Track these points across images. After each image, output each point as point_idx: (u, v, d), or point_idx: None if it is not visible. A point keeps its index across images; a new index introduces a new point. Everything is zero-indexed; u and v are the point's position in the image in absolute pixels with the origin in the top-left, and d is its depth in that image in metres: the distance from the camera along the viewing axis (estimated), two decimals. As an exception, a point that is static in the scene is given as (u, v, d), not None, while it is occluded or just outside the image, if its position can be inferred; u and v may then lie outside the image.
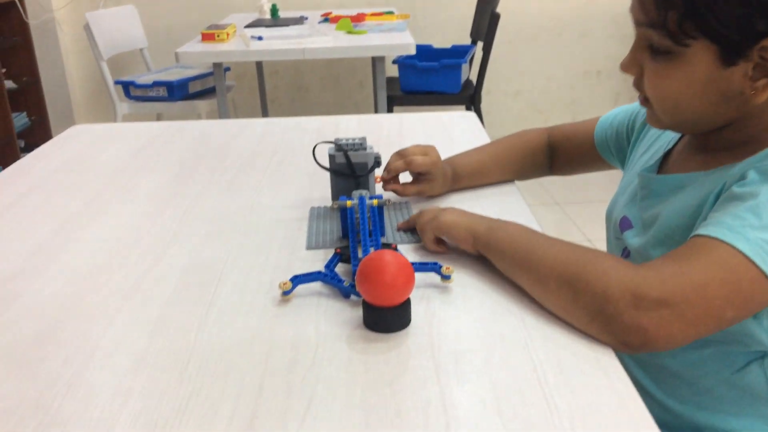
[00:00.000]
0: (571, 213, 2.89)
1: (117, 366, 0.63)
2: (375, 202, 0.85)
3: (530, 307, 0.70)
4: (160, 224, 0.94)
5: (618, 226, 0.85)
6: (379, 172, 0.97)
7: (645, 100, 0.75)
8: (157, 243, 0.88)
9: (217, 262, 0.83)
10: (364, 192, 0.88)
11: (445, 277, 0.75)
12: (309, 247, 0.86)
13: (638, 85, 0.75)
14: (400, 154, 0.96)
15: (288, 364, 0.62)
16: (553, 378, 0.59)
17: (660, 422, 0.55)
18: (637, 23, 0.71)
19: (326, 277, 0.76)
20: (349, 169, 0.92)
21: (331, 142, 0.94)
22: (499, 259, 0.76)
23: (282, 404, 0.57)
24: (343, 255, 0.81)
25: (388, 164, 0.96)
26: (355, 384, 0.59)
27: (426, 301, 0.72)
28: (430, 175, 0.96)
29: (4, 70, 3.12)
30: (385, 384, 0.59)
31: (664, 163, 0.82)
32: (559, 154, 1.04)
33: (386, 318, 0.67)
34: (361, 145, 0.92)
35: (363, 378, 0.60)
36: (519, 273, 0.73)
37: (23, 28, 3.25)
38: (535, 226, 0.86)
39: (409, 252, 0.84)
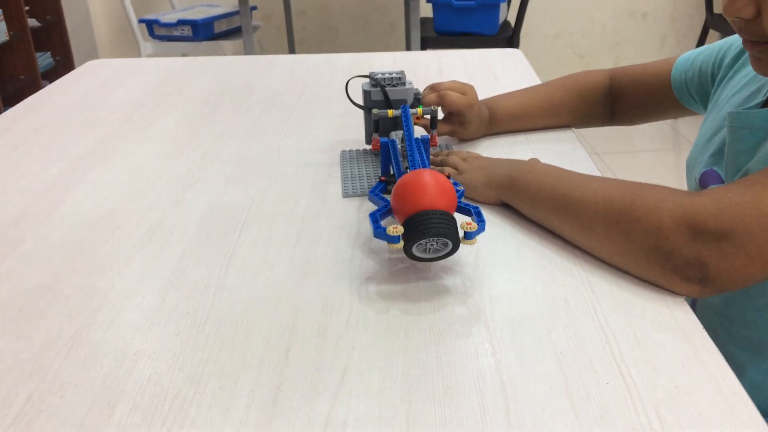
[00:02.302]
0: (613, 164, 2.75)
1: (124, 325, 0.55)
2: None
3: (595, 265, 0.61)
4: (177, 166, 0.86)
5: (699, 182, 0.74)
6: None
7: (755, 44, 0.62)
8: (173, 187, 0.80)
9: (239, 209, 0.74)
10: (401, 133, 0.78)
11: (467, 236, 0.58)
12: (345, 195, 0.77)
13: (750, 28, 0.61)
14: (434, 88, 0.86)
15: (318, 329, 0.54)
16: (629, 352, 0.50)
17: (762, 407, 0.46)
18: None
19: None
20: (386, 106, 0.82)
21: (365, 77, 0.84)
22: (529, 206, 0.67)
23: (311, 376, 0.49)
24: (388, 184, 0.72)
25: (423, 97, 0.86)
26: (396, 354, 0.51)
27: (473, 260, 0.63)
28: (464, 117, 0.86)
29: (27, 8, 3.03)
30: (430, 355, 0.51)
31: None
32: (624, 99, 0.92)
33: (427, 221, 0.55)
34: (399, 80, 0.82)
35: (404, 347, 0.52)
36: (557, 220, 0.64)
37: (45, -36, 3.15)
38: (595, 174, 0.76)
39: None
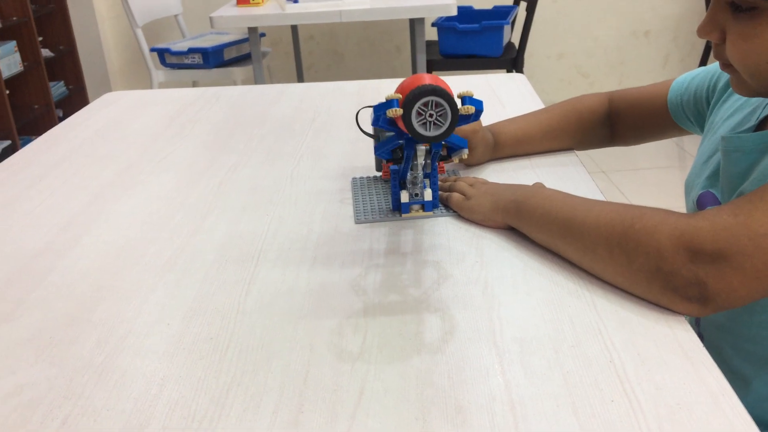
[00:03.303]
0: (619, 182, 2.77)
1: (152, 351, 0.58)
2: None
3: (599, 286, 0.63)
4: (195, 196, 0.89)
5: (696, 203, 0.77)
6: None
7: (727, 66, 0.66)
8: (192, 216, 0.83)
9: (256, 236, 0.77)
10: None
11: (465, 101, 0.65)
12: (358, 222, 0.80)
13: (718, 51, 0.66)
14: None
15: (335, 352, 0.57)
16: (633, 370, 0.52)
17: (759, 419, 0.48)
18: None
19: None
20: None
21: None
22: (535, 230, 0.70)
23: (330, 398, 0.52)
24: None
25: None
26: (409, 374, 0.54)
27: (483, 281, 0.66)
28: (469, 143, 0.89)
29: (40, 39, 3.11)
30: (443, 376, 0.53)
31: (760, 129, 0.74)
32: (623, 121, 0.95)
33: (424, 88, 0.61)
34: None
35: (417, 367, 0.54)
36: (562, 243, 0.67)
37: (58, -4, 3.22)
38: (599, 197, 0.79)
39: (449, 223, 0.77)
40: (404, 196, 0.79)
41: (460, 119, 0.64)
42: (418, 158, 0.74)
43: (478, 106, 0.65)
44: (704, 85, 0.85)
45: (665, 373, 0.52)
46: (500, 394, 0.51)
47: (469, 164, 0.93)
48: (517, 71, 2.92)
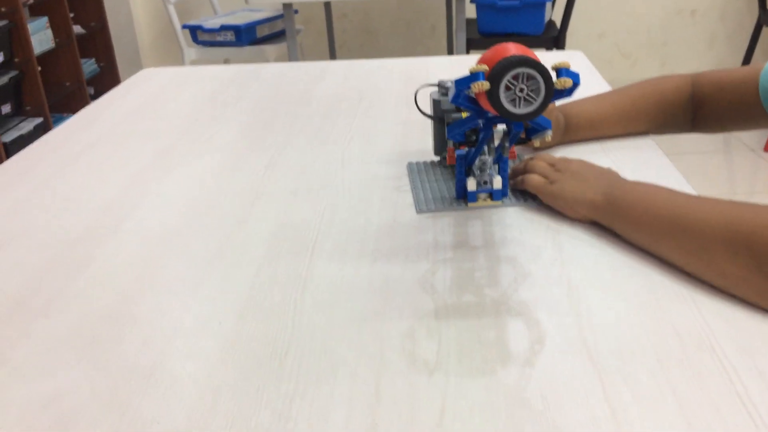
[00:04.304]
0: (677, 165, 2.67)
1: (203, 354, 0.53)
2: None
3: (702, 289, 0.56)
4: (240, 180, 0.83)
5: None
6: None
7: None
8: (238, 202, 0.77)
9: (309, 225, 0.71)
10: None
11: (561, 73, 0.57)
12: (420, 211, 0.73)
13: None
14: None
15: (407, 360, 0.51)
16: (758, 393, 0.45)
17: None
18: None
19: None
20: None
21: (434, 85, 0.81)
22: (634, 228, 0.63)
23: (406, 415, 0.45)
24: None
25: None
26: (496, 391, 0.47)
27: (566, 282, 0.59)
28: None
29: (72, 16, 3.07)
30: (535, 394, 0.47)
31: None
32: (708, 107, 0.86)
33: (515, 58, 0.54)
34: None
35: (504, 383, 0.48)
36: (669, 243, 0.59)
37: (90, -29, 3.18)
38: (684, 186, 0.71)
39: (519, 214, 0.70)
40: (471, 184, 0.72)
41: (554, 94, 0.56)
42: (494, 141, 0.67)
43: (575, 79, 0.58)
44: None
45: (796, 397, 0.45)
46: (605, 420, 0.44)
47: (537, 148, 0.86)
48: (558, 50, 2.81)
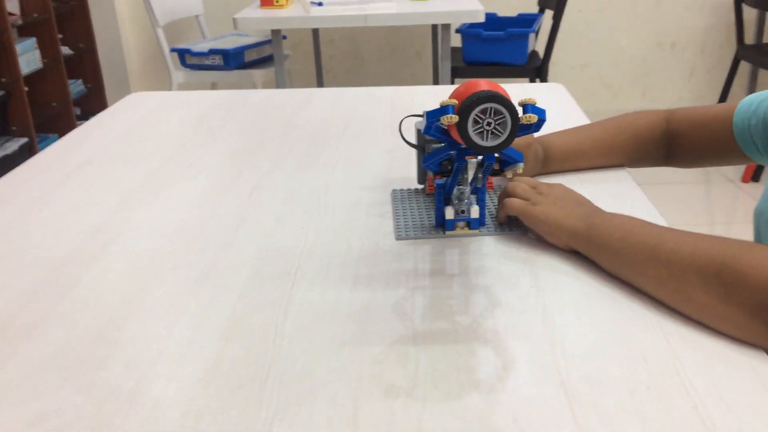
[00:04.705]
0: (649, 194, 2.71)
1: (186, 376, 0.54)
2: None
3: (671, 317, 0.58)
4: (226, 204, 0.85)
5: None
6: None
7: None
8: (224, 226, 0.79)
9: (293, 251, 0.73)
10: None
11: (526, 110, 0.60)
12: (399, 238, 0.75)
13: None
14: None
15: (386, 385, 0.52)
16: (720, 420, 0.47)
17: None
18: None
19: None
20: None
21: (419, 115, 0.83)
22: (611, 256, 0.65)
23: (385, 438, 0.47)
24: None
25: None
26: (471, 416, 0.49)
27: (541, 309, 0.61)
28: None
29: (60, 37, 3.09)
30: (507, 419, 0.48)
31: None
32: (682, 142, 0.89)
33: (483, 94, 0.57)
34: None
35: (479, 408, 0.49)
36: (642, 271, 0.61)
37: (80, -7, 3.21)
38: (656, 218, 0.74)
39: (497, 243, 0.73)
40: (449, 213, 0.74)
41: (520, 129, 0.59)
42: (468, 172, 0.70)
43: (541, 115, 0.60)
44: None
45: (756, 423, 0.47)
46: (574, 442, 0.46)
47: (511, 180, 0.88)
48: (541, 80, 2.87)
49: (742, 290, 0.53)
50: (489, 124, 0.58)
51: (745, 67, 3.30)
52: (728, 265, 0.55)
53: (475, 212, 0.74)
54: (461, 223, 0.75)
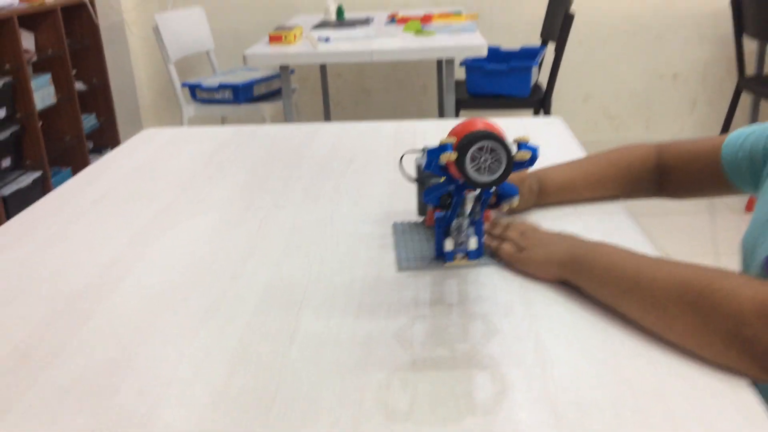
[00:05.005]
0: (646, 226, 2.74)
1: (196, 402, 0.57)
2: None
3: (657, 345, 0.61)
4: (235, 237, 0.89)
5: (763, 266, 0.74)
6: None
7: None
8: (233, 258, 0.82)
9: (299, 281, 0.76)
10: None
11: (521, 147, 0.66)
12: (400, 269, 0.78)
13: None
14: None
15: (386, 410, 0.55)
16: (702, 441, 0.50)
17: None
18: None
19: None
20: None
21: (419, 151, 0.87)
22: (596, 285, 0.68)
23: (383, 459, 0.50)
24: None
25: None
26: (465, 437, 0.51)
27: (534, 337, 0.64)
28: (519, 196, 0.87)
29: (74, 72, 3.17)
30: (500, 439, 0.51)
31: None
32: (673, 175, 0.92)
33: (479, 133, 0.62)
34: None
35: (472, 430, 0.52)
36: (625, 299, 0.65)
37: (93, 30, 3.30)
38: (648, 249, 0.77)
39: (494, 273, 0.76)
40: (448, 245, 0.77)
41: (514, 165, 0.63)
42: (466, 205, 0.73)
43: (534, 152, 0.64)
44: (760, 141, 0.82)
45: (736, 445, 0.49)
46: (562, 463, 0.48)
47: (513, 212, 0.91)
48: (545, 112, 2.92)
49: (717, 318, 0.56)
50: (485, 160, 0.62)
51: (746, 98, 3.34)
52: (703, 295, 0.58)
53: (473, 244, 0.77)
54: (460, 254, 0.78)
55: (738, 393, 0.55)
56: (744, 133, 0.85)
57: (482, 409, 0.54)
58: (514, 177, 0.86)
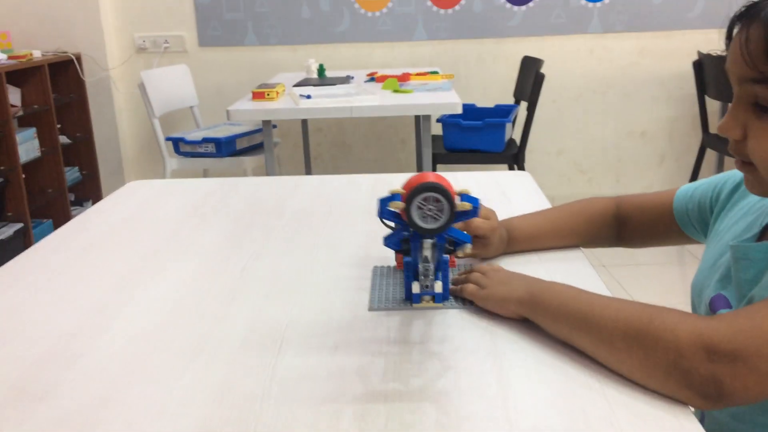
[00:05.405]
0: (618, 276, 2.82)
1: (182, 433, 0.61)
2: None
3: (610, 377, 0.67)
4: (219, 283, 0.94)
5: (710, 306, 0.81)
6: None
7: (745, 164, 0.71)
8: (217, 302, 0.87)
9: (278, 324, 0.81)
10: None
11: (464, 198, 0.74)
12: (371, 309, 0.83)
13: (738, 148, 0.70)
14: None
15: (359, 436, 0.59)
16: (644, 461, 0.55)
17: None
18: (740, 80, 0.67)
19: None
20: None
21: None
22: (551, 322, 0.74)
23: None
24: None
25: None
26: (432, 460, 0.56)
27: (498, 370, 0.69)
28: (487, 240, 0.95)
29: (59, 126, 3.23)
30: (463, 462, 0.56)
31: (763, 236, 0.78)
32: (630, 225, 1.00)
33: (423, 184, 0.69)
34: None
35: (439, 454, 0.57)
36: (578, 335, 0.70)
37: (79, 86, 3.38)
38: (605, 292, 0.83)
39: (461, 315, 0.81)
40: (416, 287, 0.83)
41: (457, 215, 0.70)
42: (423, 250, 0.79)
43: (474, 203, 0.72)
44: (707, 194, 0.90)
45: (675, 464, 0.55)
46: (519, 481, 0.53)
47: (484, 258, 0.97)
48: (518, 166, 3.02)
49: (658, 351, 0.62)
50: (430, 210, 0.70)
51: (711, 154, 3.48)
52: (644, 330, 0.64)
53: (438, 287, 0.83)
54: (427, 297, 0.84)
55: (680, 418, 0.60)
56: (692, 187, 0.93)
57: (448, 436, 0.59)
58: (485, 227, 0.92)
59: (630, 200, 1.01)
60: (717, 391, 0.60)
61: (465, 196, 0.72)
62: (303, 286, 0.92)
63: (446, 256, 0.83)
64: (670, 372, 0.61)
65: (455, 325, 0.79)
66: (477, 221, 0.93)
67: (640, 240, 1.01)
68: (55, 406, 0.66)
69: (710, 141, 3.19)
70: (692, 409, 0.62)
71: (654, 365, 0.62)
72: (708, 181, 0.93)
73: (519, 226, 1.00)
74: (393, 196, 0.71)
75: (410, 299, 0.84)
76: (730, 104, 0.70)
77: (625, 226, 1.01)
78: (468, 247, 0.77)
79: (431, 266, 0.80)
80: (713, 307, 0.80)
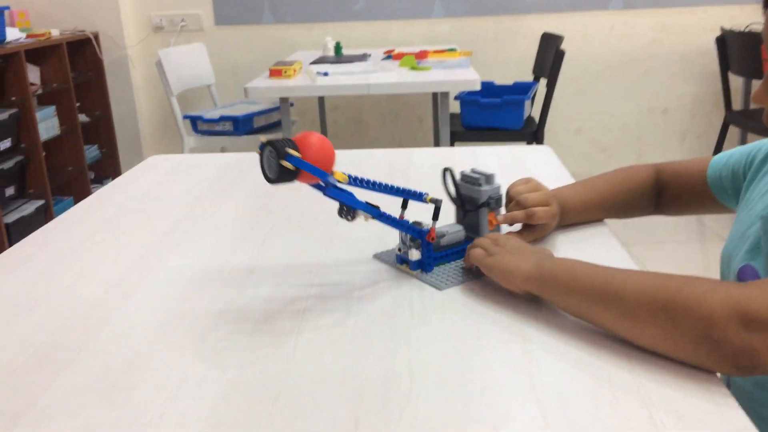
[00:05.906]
0: (637, 254, 2.80)
1: (208, 395, 0.61)
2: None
3: (634, 345, 0.66)
4: (239, 255, 0.94)
5: (738, 276, 0.79)
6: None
7: None
8: (237, 274, 0.88)
9: (300, 296, 0.81)
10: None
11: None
12: (375, 257, 0.88)
13: None
14: (519, 204, 0.89)
15: (382, 402, 0.59)
16: (672, 426, 0.54)
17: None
18: None
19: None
20: (458, 200, 0.89)
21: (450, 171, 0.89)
22: (564, 296, 0.70)
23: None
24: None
25: (508, 210, 0.92)
26: (458, 425, 0.56)
27: (521, 338, 0.69)
28: (547, 226, 0.92)
29: (78, 105, 3.25)
30: (488, 426, 0.56)
31: None
32: (667, 192, 0.99)
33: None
34: (477, 180, 0.88)
35: (465, 418, 0.57)
36: (595, 308, 0.67)
37: (97, 65, 3.39)
38: (631, 266, 0.82)
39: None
40: (414, 254, 0.84)
41: (284, 171, 0.73)
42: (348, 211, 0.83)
43: (296, 163, 0.73)
44: (741, 162, 0.89)
45: (704, 430, 0.54)
46: (545, 445, 0.53)
47: (537, 239, 0.93)
48: (537, 144, 3.00)
49: (687, 322, 0.60)
50: (270, 161, 0.74)
51: (734, 131, 3.43)
52: (672, 300, 0.61)
53: (414, 255, 0.84)
54: (406, 264, 0.86)
55: (706, 382, 0.59)
56: (726, 155, 0.92)
57: (474, 396, 0.59)
58: (547, 216, 0.89)
59: (669, 167, 1.00)
60: (752, 362, 0.57)
61: (289, 157, 0.72)
62: (323, 259, 0.92)
63: (426, 228, 0.83)
64: (699, 344, 0.59)
65: (479, 295, 0.79)
66: (539, 212, 0.88)
67: (676, 208, 1.00)
68: (80, 371, 0.66)
69: (734, 118, 3.14)
70: (719, 375, 0.61)
71: (682, 336, 0.60)
72: (742, 148, 0.91)
73: (572, 199, 0.95)
74: (260, 146, 0.75)
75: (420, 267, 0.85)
76: (754, 79, 0.69)
77: (663, 193, 1.00)
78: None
79: (407, 235, 0.82)
80: (741, 278, 0.78)
